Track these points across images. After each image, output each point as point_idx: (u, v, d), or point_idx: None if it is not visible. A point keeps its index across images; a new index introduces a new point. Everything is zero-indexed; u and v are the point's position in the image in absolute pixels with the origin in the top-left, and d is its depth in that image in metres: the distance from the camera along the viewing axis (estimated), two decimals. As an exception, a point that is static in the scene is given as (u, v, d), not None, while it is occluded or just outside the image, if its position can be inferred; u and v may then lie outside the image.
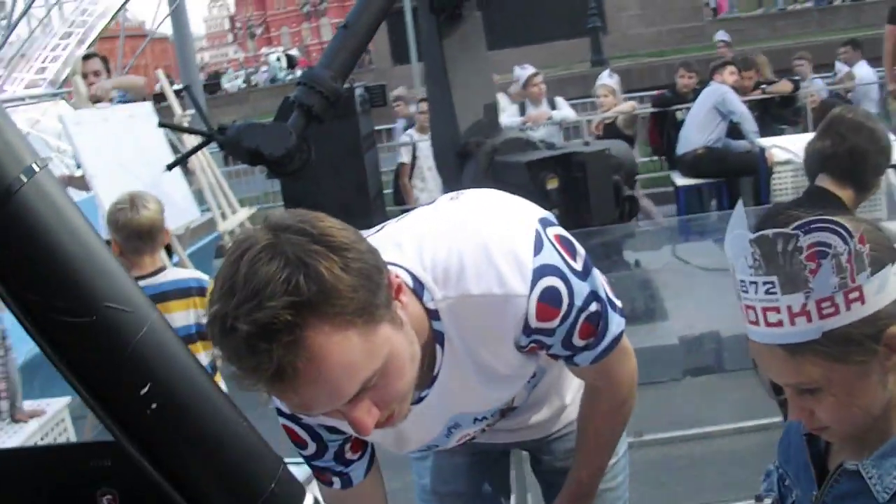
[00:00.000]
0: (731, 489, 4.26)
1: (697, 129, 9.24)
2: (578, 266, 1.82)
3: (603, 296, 1.87)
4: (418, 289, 1.75)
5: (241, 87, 46.15)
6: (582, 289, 1.82)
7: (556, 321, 1.81)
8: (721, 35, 13.58)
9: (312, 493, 1.21)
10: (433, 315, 1.77)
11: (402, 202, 10.65)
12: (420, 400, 1.85)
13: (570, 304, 1.81)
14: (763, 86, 10.22)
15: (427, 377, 1.82)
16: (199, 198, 7.56)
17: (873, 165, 3.25)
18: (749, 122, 9.23)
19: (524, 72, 9.99)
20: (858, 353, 1.45)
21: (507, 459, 2.63)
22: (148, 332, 1.03)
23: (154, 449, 1.06)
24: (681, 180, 9.47)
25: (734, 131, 9.31)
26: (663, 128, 10.33)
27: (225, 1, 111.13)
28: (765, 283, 1.45)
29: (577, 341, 1.88)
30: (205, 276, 4.24)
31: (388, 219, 1.98)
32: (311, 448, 2.00)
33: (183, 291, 4.10)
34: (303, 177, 6.16)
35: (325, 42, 73.28)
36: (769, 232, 1.43)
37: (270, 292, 1.39)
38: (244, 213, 7.51)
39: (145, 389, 1.02)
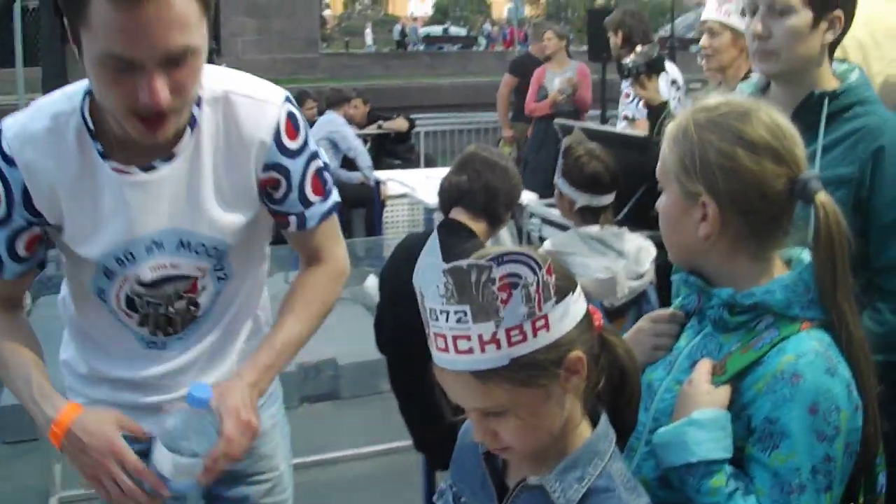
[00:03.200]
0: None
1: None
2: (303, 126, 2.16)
3: (323, 160, 2.20)
4: None
5: None
6: (310, 138, 2.16)
7: (298, 144, 2.11)
8: None
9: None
10: (196, 101, 1.98)
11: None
12: (152, 168, 1.98)
13: (306, 140, 2.13)
14: (380, 121, 10.49)
15: (171, 144, 1.98)
16: None
17: (505, 202, 3.39)
18: (363, 157, 9.42)
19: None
20: (543, 377, 1.51)
21: None
22: None
23: None
24: (296, 209, 9.48)
25: (346, 163, 9.47)
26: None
27: None
28: (456, 312, 1.47)
29: (310, 195, 2.16)
30: None
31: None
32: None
33: None
34: None
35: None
36: (463, 263, 1.46)
37: None
38: None
39: None
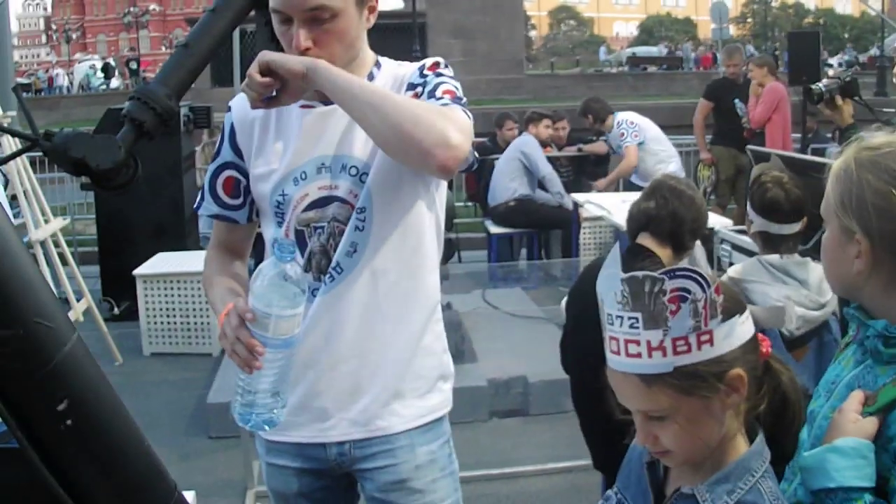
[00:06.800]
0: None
1: (506, 181, 9.41)
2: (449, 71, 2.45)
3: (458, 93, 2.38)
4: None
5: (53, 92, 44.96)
6: (449, 75, 2.42)
7: (434, 73, 2.39)
8: None
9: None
10: (377, 64, 2.47)
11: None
12: (330, 103, 2.31)
13: (444, 72, 2.40)
14: (580, 144, 10.58)
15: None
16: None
17: (690, 230, 3.46)
18: (553, 182, 9.48)
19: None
20: (703, 389, 1.63)
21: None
22: (70, 350, 1.05)
23: (61, 463, 1.07)
24: (494, 228, 9.67)
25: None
26: (480, 175, 10.51)
27: (42, 0, 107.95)
28: (629, 318, 1.61)
29: (439, 95, 2.33)
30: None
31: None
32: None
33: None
34: (126, 192, 6.04)
35: (142, 54, 71.66)
36: (639, 273, 1.60)
37: None
38: (57, 224, 7.30)
39: (63, 405, 1.04)
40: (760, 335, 1.74)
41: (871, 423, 1.73)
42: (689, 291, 1.59)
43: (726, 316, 1.63)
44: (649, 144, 9.60)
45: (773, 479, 1.73)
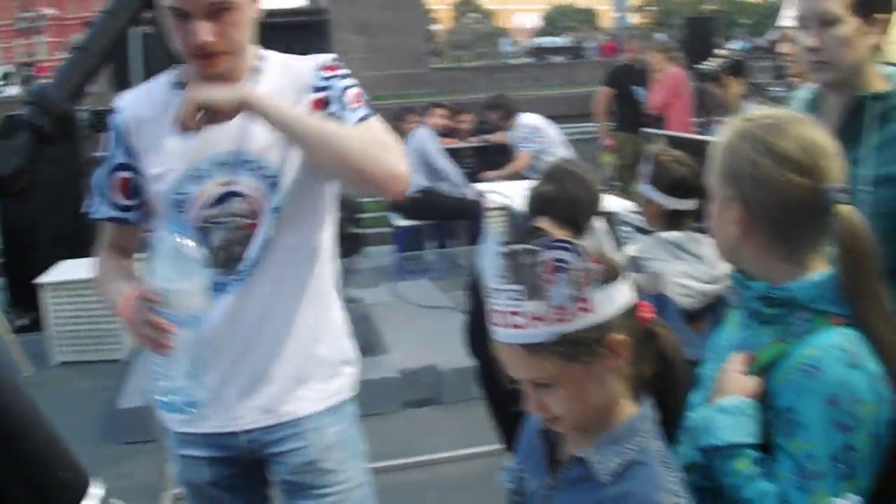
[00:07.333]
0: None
1: (409, 173, 9.40)
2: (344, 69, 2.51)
3: (363, 94, 2.47)
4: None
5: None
6: (348, 75, 2.49)
7: (336, 76, 2.46)
8: None
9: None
10: (259, 55, 2.47)
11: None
12: None
13: (344, 73, 2.48)
14: (483, 134, 10.70)
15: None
16: None
17: (586, 212, 3.53)
18: (449, 174, 9.59)
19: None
20: (586, 354, 1.70)
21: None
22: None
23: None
24: (399, 221, 9.73)
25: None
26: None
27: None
28: (510, 291, 1.68)
29: (350, 103, 2.43)
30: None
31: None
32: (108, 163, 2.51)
33: None
34: (25, 198, 5.98)
35: (41, 60, 70.29)
36: (517, 247, 1.67)
37: None
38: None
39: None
40: (643, 303, 1.81)
41: (753, 382, 1.83)
42: (565, 261, 1.65)
43: (604, 283, 1.69)
44: (552, 149, 9.76)
45: (660, 439, 1.80)
